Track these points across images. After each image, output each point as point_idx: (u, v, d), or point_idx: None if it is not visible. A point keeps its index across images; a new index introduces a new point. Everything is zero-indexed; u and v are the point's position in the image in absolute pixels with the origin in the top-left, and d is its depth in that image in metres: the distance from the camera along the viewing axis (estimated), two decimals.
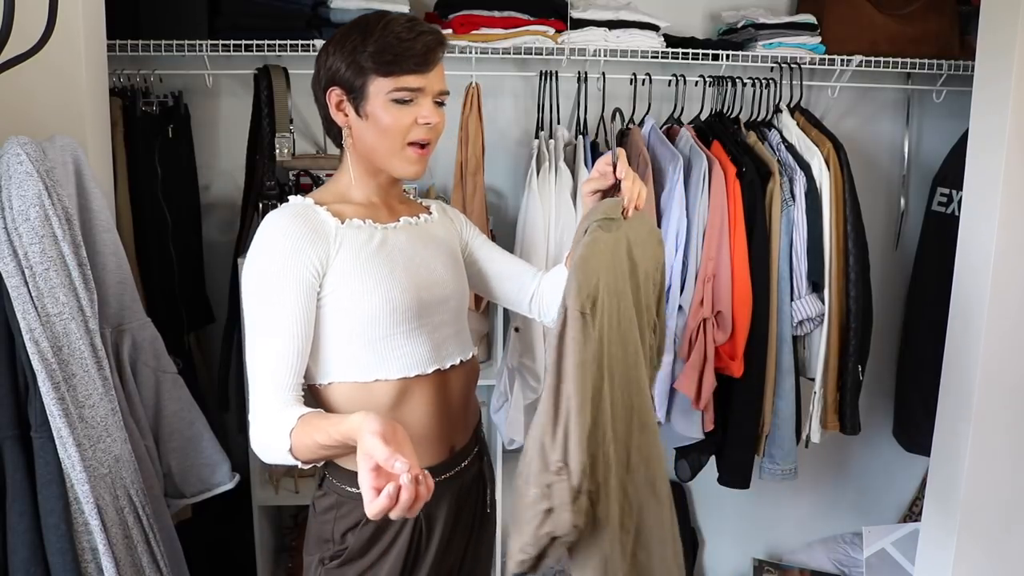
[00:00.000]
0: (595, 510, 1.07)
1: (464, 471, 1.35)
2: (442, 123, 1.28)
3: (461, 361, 1.33)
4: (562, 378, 0.99)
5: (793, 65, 2.31)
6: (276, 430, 1.15)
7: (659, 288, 1.38)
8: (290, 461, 1.15)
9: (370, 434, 0.96)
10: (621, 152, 1.26)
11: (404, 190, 1.46)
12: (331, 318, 1.22)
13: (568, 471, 0.99)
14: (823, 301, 2.24)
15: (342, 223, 1.24)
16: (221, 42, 2.13)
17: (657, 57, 2.30)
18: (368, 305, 1.21)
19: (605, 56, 2.27)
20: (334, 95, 1.26)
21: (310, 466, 1.18)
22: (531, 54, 2.27)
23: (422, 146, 1.26)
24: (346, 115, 1.26)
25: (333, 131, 1.32)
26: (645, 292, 1.30)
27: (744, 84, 2.32)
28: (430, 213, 1.42)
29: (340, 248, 1.22)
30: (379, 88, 1.22)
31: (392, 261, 1.25)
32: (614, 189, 1.30)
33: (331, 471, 1.31)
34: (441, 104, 1.28)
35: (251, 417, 1.20)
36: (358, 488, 1.25)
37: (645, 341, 1.28)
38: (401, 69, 1.20)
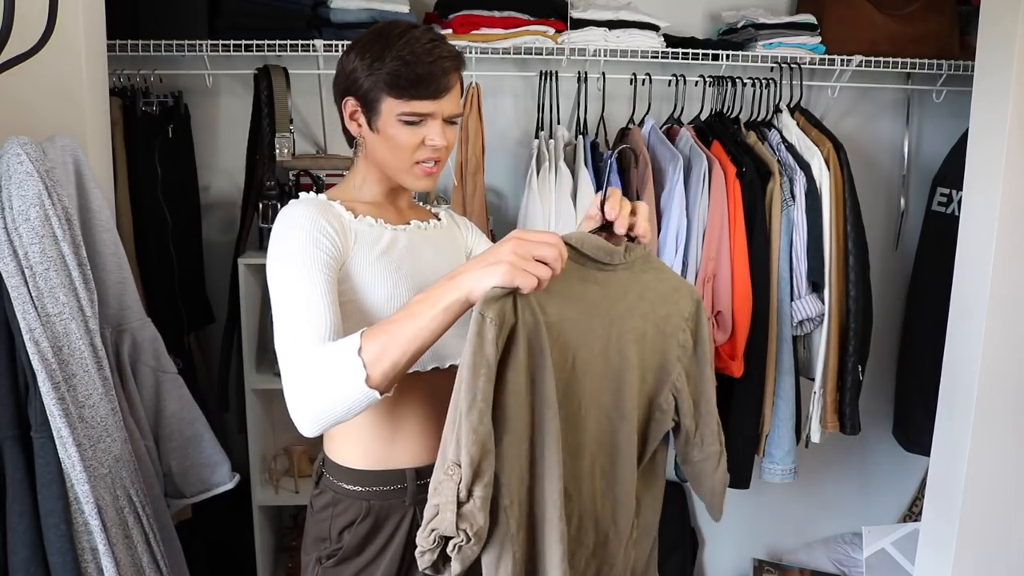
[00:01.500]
0: (505, 524, 1.06)
1: None
2: (453, 141, 1.29)
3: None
4: (459, 378, 1.01)
5: (793, 65, 2.31)
6: (336, 351, 1.05)
7: (698, 349, 1.26)
8: (356, 386, 1.03)
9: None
10: (614, 191, 1.19)
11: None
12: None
13: (459, 471, 1.00)
14: (823, 301, 2.24)
15: (355, 217, 1.26)
16: (221, 42, 2.13)
17: (657, 57, 2.30)
18: (373, 300, 1.22)
19: (605, 56, 2.27)
20: (349, 105, 1.27)
21: (384, 395, 1.06)
22: (531, 54, 2.27)
23: (432, 162, 1.27)
24: (359, 125, 1.28)
25: (348, 134, 1.34)
26: (648, 346, 1.21)
27: (744, 84, 2.32)
28: (439, 219, 1.43)
29: (356, 241, 1.24)
30: (390, 107, 1.23)
31: (400, 260, 1.27)
32: (605, 229, 1.21)
33: (328, 469, 1.31)
34: (453, 123, 1.28)
35: (290, 376, 1.09)
36: (354, 486, 1.27)
37: (626, 400, 1.21)
38: (413, 94, 1.21)
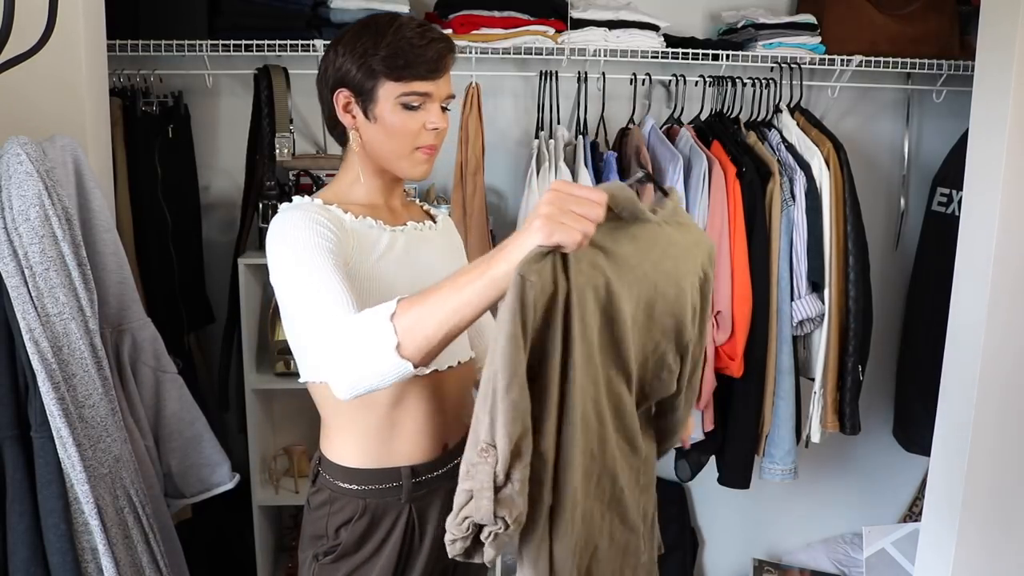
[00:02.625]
0: (540, 509, 0.99)
1: (457, 468, 1.34)
2: (447, 126, 1.29)
3: (459, 363, 1.33)
4: (495, 350, 0.90)
5: (793, 65, 2.31)
6: (369, 316, 1.01)
7: (701, 309, 1.22)
8: (388, 354, 0.98)
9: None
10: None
11: (405, 191, 1.45)
12: None
13: (495, 453, 0.90)
14: (823, 301, 2.24)
15: (355, 217, 1.25)
16: (221, 42, 2.13)
17: (657, 57, 2.30)
18: (371, 302, 1.21)
19: (605, 56, 2.27)
20: (342, 96, 1.26)
21: (418, 368, 1.02)
22: (531, 54, 2.27)
23: (430, 148, 1.27)
24: (353, 117, 1.27)
25: (337, 130, 1.32)
26: (666, 307, 1.15)
27: (744, 84, 2.32)
28: (435, 221, 1.42)
29: (356, 244, 1.22)
30: (388, 92, 1.22)
31: (398, 263, 1.26)
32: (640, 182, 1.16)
33: (324, 467, 1.31)
34: (446, 108, 1.29)
35: (323, 347, 1.05)
36: (351, 484, 1.27)
37: (656, 361, 1.16)
38: (412, 75, 1.21)
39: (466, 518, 0.92)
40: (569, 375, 0.99)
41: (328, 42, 2.15)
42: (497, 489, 0.91)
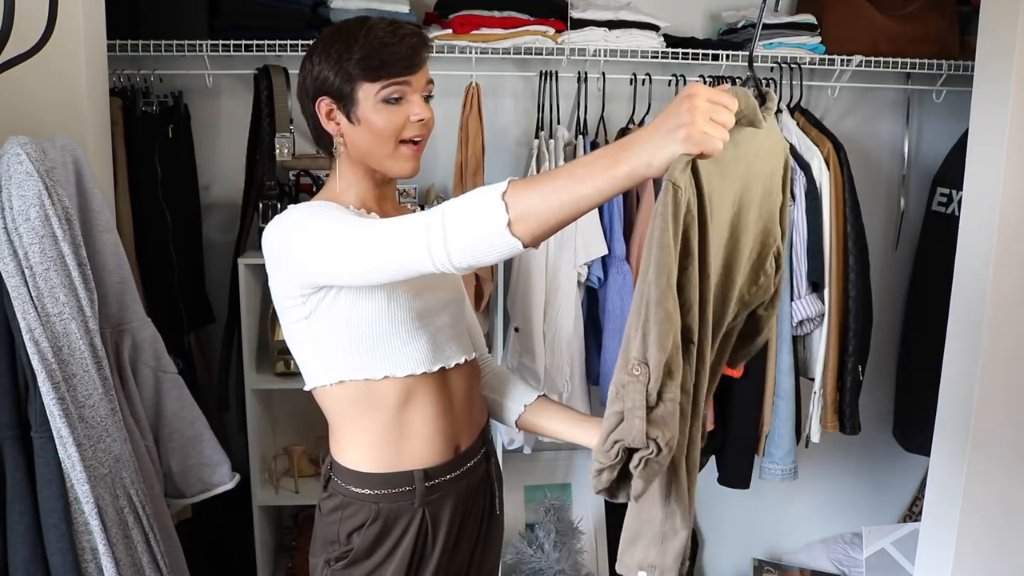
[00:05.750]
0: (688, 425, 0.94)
1: (470, 471, 1.35)
2: (433, 118, 1.28)
3: (465, 360, 1.34)
4: (648, 261, 0.87)
5: (793, 65, 2.31)
6: (477, 196, 1.00)
7: (782, 207, 1.21)
8: (499, 230, 0.97)
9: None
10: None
11: (403, 191, 1.45)
12: (338, 313, 1.21)
13: (647, 370, 0.86)
14: (823, 301, 2.24)
15: (358, 211, 1.25)
16: (221, 42, 2.13)
17: (657, 57, 2.30)
18: (374, 301, 1.21)
19: (605, 56, 2.27)
20: (323, 104, 1.26)
21: (527, 248, 0.99)
22: (531, 54, 2.27)
23: (415, 143, 1.27)
24: (337, 123, 1.26)
25: (323, 140, 1.31)
26: (758, 210, 1.14)
27: (744, 84, 2.32)
28: None
29: None
30: (368, 92, 1.22)
31: None
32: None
33: (336, 472, 1.30)
34: (430, 97, 1.28)
35: (418, 226, 1.03)
36: (363, 489, 1.26)
37: (762, 266, 1.18)
38: (388, 73, 1.21)
39: (616, 442, 0.87)
40: (707, 285, 0.95)
41: None
42: (649, 409, 0.87)
